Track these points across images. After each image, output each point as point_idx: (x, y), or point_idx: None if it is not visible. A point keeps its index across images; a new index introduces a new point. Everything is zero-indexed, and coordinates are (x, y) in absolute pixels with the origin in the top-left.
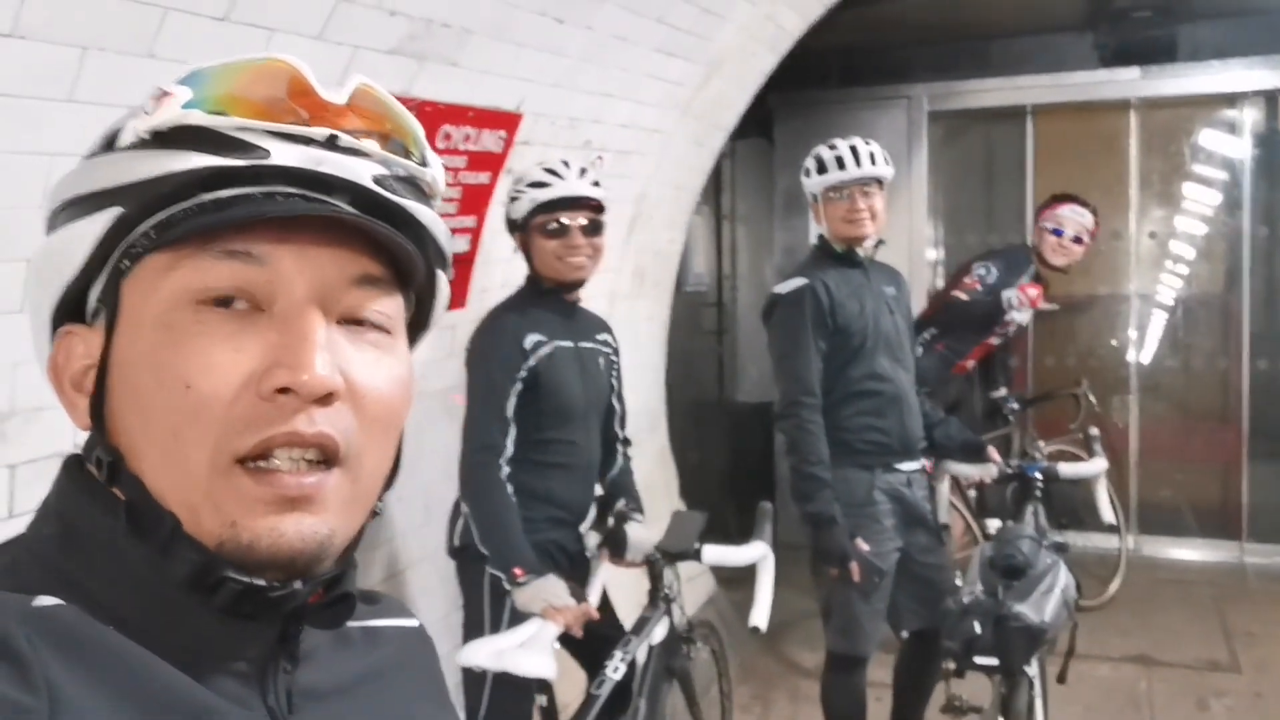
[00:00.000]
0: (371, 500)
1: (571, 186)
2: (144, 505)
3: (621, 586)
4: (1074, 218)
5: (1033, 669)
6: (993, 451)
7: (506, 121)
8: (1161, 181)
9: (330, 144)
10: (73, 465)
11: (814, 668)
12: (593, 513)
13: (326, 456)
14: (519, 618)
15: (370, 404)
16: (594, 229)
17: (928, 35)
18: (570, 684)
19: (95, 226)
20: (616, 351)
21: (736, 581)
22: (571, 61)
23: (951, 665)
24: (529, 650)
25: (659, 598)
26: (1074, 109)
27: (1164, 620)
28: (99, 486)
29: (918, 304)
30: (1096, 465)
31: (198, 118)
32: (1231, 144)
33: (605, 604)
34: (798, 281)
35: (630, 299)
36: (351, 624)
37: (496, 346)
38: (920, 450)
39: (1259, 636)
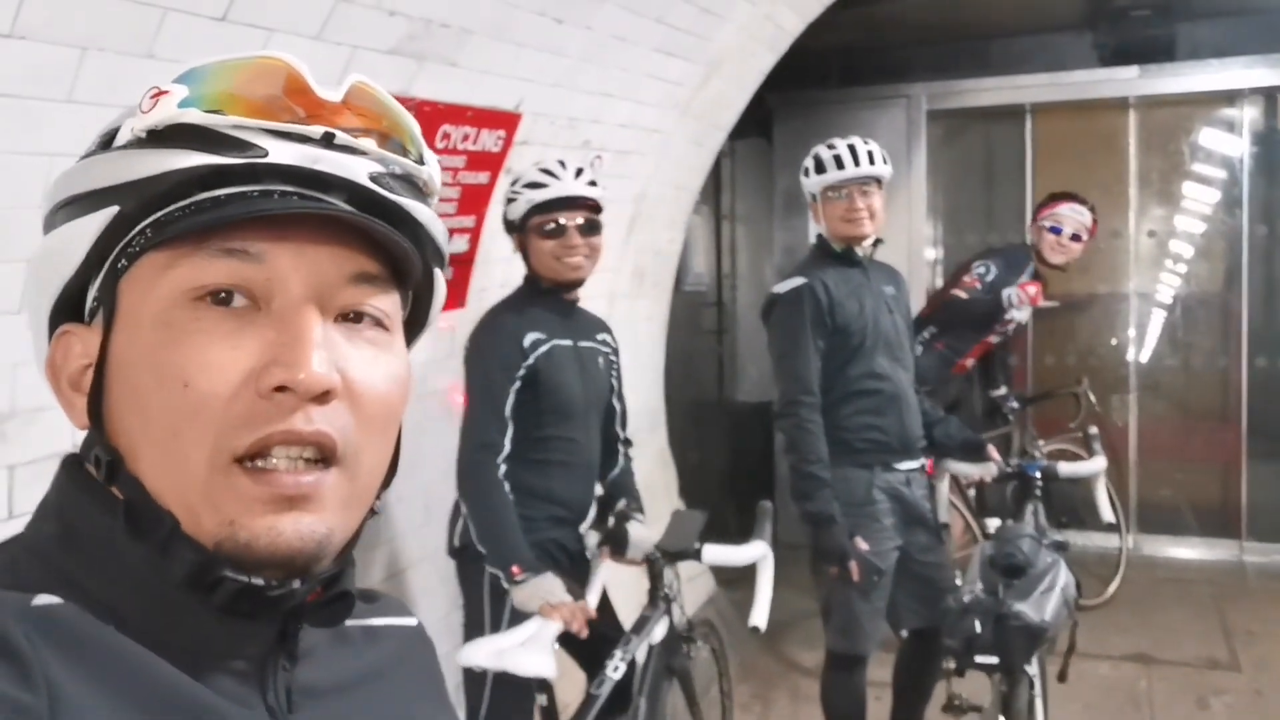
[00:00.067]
0: (370, 499)
1: (568, 187)
2: (142, 505)
3: (621, 586)
4: (1072, 216)
5: (1033, 668)
6: (992, 450)
7: (505, 121)
8: (1160, 180)
9: (327, 142)
10: (71, 464)
11: (814, 667)
12: (593, 512)
13: (324, 455)
14: (519, 617)
15: (367, 402)
16: (591, 229)
17: (927, 35)
18: (570, 684)
19: (92, 225)
20: (616, 352)
21: (736, 581)
22: (571, 61)
23: (952, 664)
24: (529, 649)
25: (659, 597)
26: (1073, 108)
27: (1164, 619)
28: (98, 486)
29: (917, 303)
30: (1096, 464)
31: (194, 116)
32: (1230, 142)
33: (605, 604)
34: (797, 281)
35: (630, 299)
36: (350, 622)
37: (495, 346)
38: (919, 449)
39: (1259, 635)
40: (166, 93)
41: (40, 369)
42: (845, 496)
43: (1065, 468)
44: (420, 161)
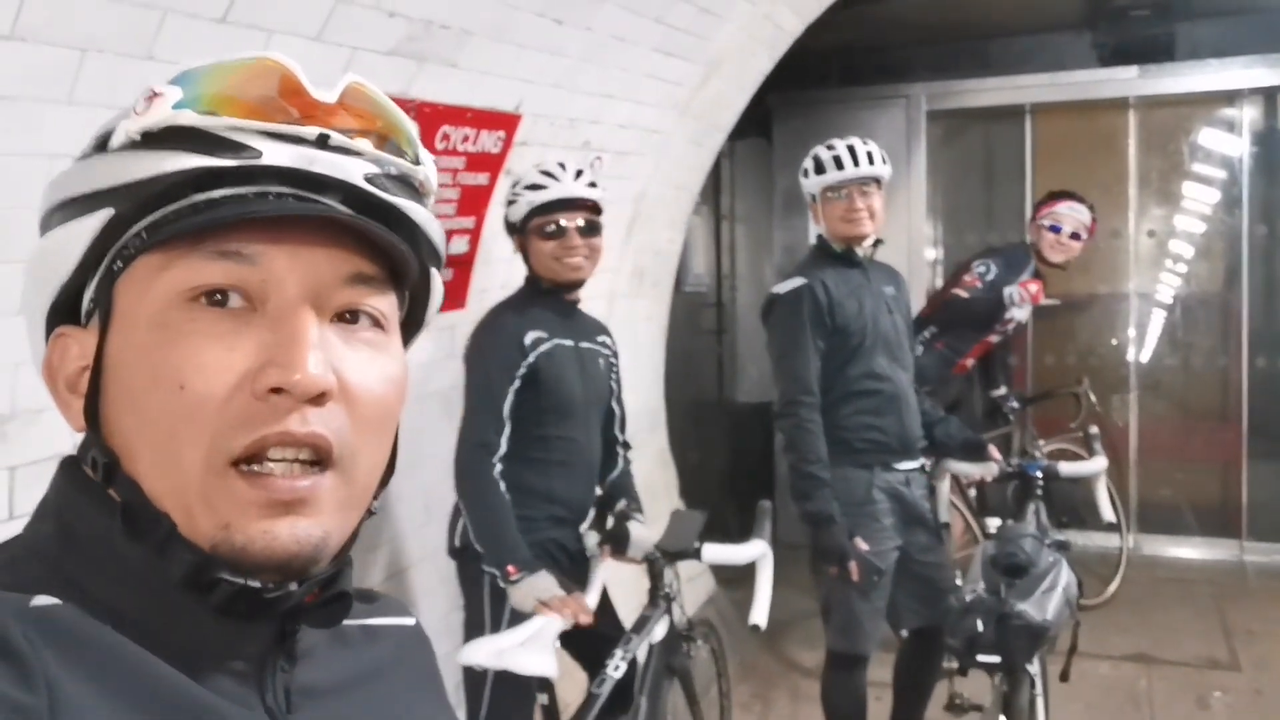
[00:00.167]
0: (367, 500)
1: (568, 188)
2: (139, 506)
3: (621, 585)
4: (1072, 214)
5: (1034, 667)
6: (993, 450)
7: (505, 122)
8: (1160, 180)
9: (322, 143)
10: (69, 466)
11: (814, 667)
12: (592, 513)
13: (319, 457)
14: (519, 617)
15: (363, 403)
16: (591, 230)
17: (926, 35)
18: (571, 684)
19: (88, 227)
20: (615, 354)
21: (736, 581)
22: (570, 62)
23: (954, 663)
24: (530, 648)
25: (659, 596)
26: (1073, 108)
27: (1164, 618)
28: (95, 487)
29: (916, 303)
30: (1097, 464)
31: (189, 118)
32: (1230, 142)
33: (605, 603)
34: (796, 281)
35: (630, 299)
36: (349, 622)
37: (495, 345)
38: (919, 449)
39: (1259, 634)
40: (161, 94)
41: (37, 370)
42: (845, 496)
43: (1066, 467)
44: (416, 162)
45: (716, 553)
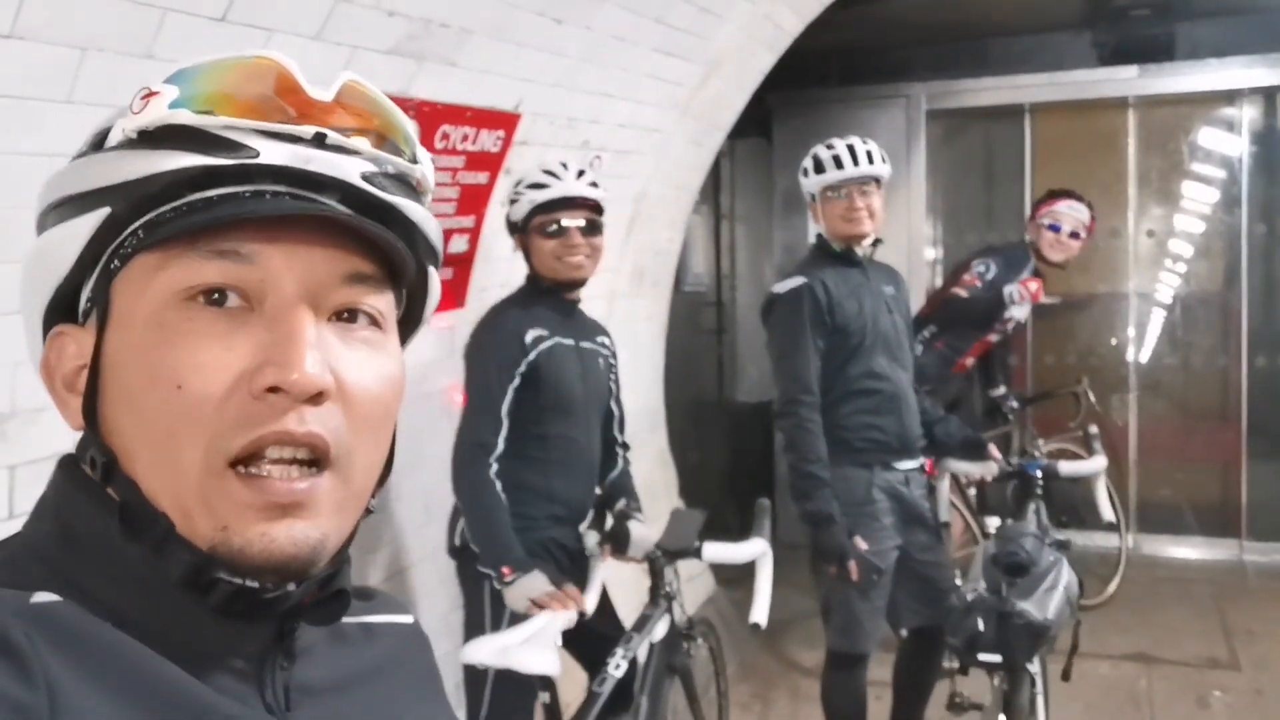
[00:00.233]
0: (364, 500)
1: (570, 187)
2: (138, 506)
3: (621, 585)
4: (1071, 213)
5: (1035, 666)
6: (993, 449)
7: (505, 121)
8: (1160, 180)
9: (318, 142)
10: (68, 464)
11: (814, 666)
12: (591, 513)
13: (317, 457)
14: (520, 617)
15: (360, 403)
16: (592, 229)
17: (926, 34)
18: (571, 683)
19: (85, 227)
20: (614, 355)
21: (736, 581)
22: (570, 61)
23: (955, 662)
24: (533, 646)
25: (660, 595)
26: (1072, 107)
27: (1164, 618)
28: (94, 486)
29: (916, 303)
30: (1096, 463)
31: (185, 117)
32: (1229, 142)
33: (605, 603)
34: (796, 280)
35: (629, 298)
36: (347, 620)
37: (495, 342)
38: (919, 449)
39: (1259, 634)
40: (157, 93)
41: (35, 369)
42: (844, 496)
43: (1066, 467)
44: (413, 160)
45: (717, 551)
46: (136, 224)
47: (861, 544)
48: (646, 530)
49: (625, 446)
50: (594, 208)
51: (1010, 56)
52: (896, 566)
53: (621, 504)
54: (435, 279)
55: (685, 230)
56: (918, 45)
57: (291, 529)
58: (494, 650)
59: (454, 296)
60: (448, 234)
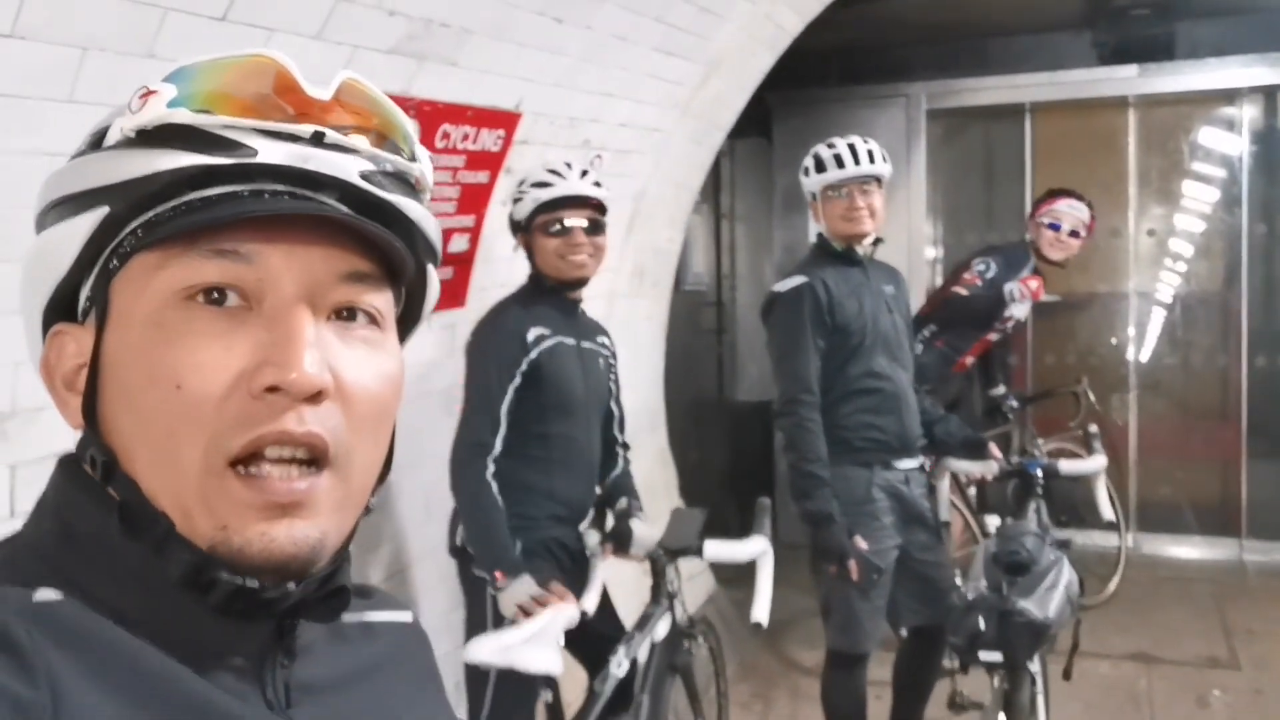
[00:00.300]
0: (364, 499)
1: (574, 186)
2: (137, 505)
3: (621, 585)
4: (1071, 212)
5: (1035, 665)
6: (993, 448)
7: (505, 121)
8: (1160, 179)
9: (317, 141)
10: (68, 463)
11: (814, 666)
12: (592, 513)
13: (315, 456)
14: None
15: (360, 402)
16: (596, 228)
17: (926, 34)
18: (571, 683)
19: (83, 226)
20: (614, 355)
21: (736, 580)
22: (571, 61)
23: (954, 662)
24: (535, 645)
25: (662, 594)
26: (1072, 107)
27: (1164, 618)
28: (94, 485)
29: (916, 302)
30: (1096, 462)
31: (183, 116)
32: (1230, 141)
33: (605, 603)
34: (797, 279)
35: (630, 298)
36: (347, 618)
37: (497, 340)
38: (919, 448)
39: (1259, 633)
40: (155, 92)
41: (34, 368)
42: (845, 495)
43: (1066, 465)
44: (412, 158)
45: (718, 550)
46: (135, 223)
47: (861, 543)
48: (648, 529)
49: (625, 446)
50: (597, 207)
51: (1010, 56)
52: (896, 566)
53: (623, 503)
54: (434, 277)
55: (685, 230)
56: (918, 45)
57: (291, 528)
58: (497, 649)
59: (454, 296)
60: (448, 233)
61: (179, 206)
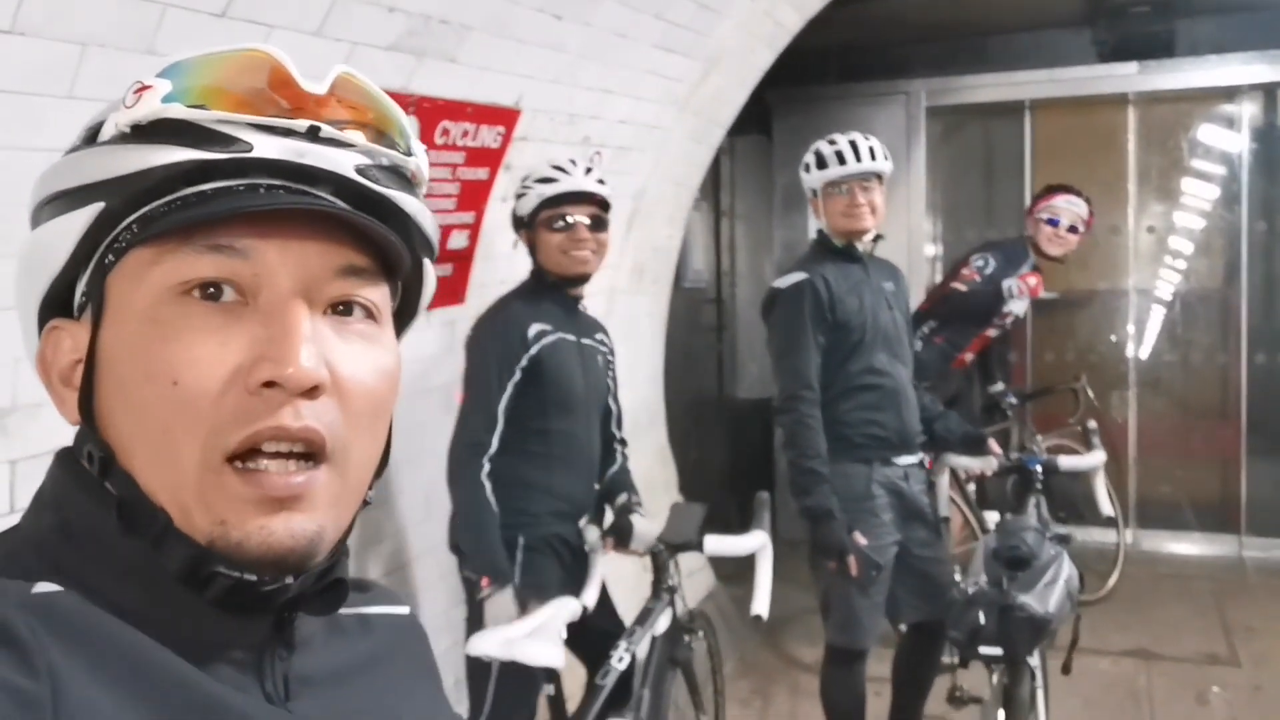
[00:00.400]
0: (361, 493)
1: (578, 182)
2: (135, 501)
3: (620, 581)
4: (1069, 208)
5: (1035, 660)
6: (993, 444)
7: (505, 117)
8: (1160, 176)
9: (312, 135)
10: (66, 458)
11: (814, 662)
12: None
13: (312, 451)
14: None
15: (356, 397)
16: (599, 225)
17: (926, 31)
18: (571, 678)
19: (78, 221)
20: (612, 352)
21: (736, 577)
22: (570, 58)
23: (954, 658)
24: (538, 639)
25: (663, 589)
26: (1072, 104)
27: (1163, 615)
28: (92, 480)
29: (915, 299)
30: (1095, 458)
31: (178, 111)
32: (1229, 139)
33: (604, 599)
34: (797, 276)
35: (629, 295)
36: (345, 612)
37: (498, 335)
38: (918, 444)
39: (1258, 630)
40: (150, 87)
41: (31, 364)
42: (844, 491)
43: (1065, 461)
44: (408, 152)
45: (718, 544)
46: (130, 219)
47: (861, 539)
48: (649, 524)
49: (623, 443)
50: (601, 204)
51: (1010, 53)
52: (896, 562)
53: (623, 499)
54: (430, 271)
55: (685, 227)
56: (918, 42)
57: (289, 522)
58: (500, 642)
59: (454, 292)
60: (448, 230)
61: (174, 202)
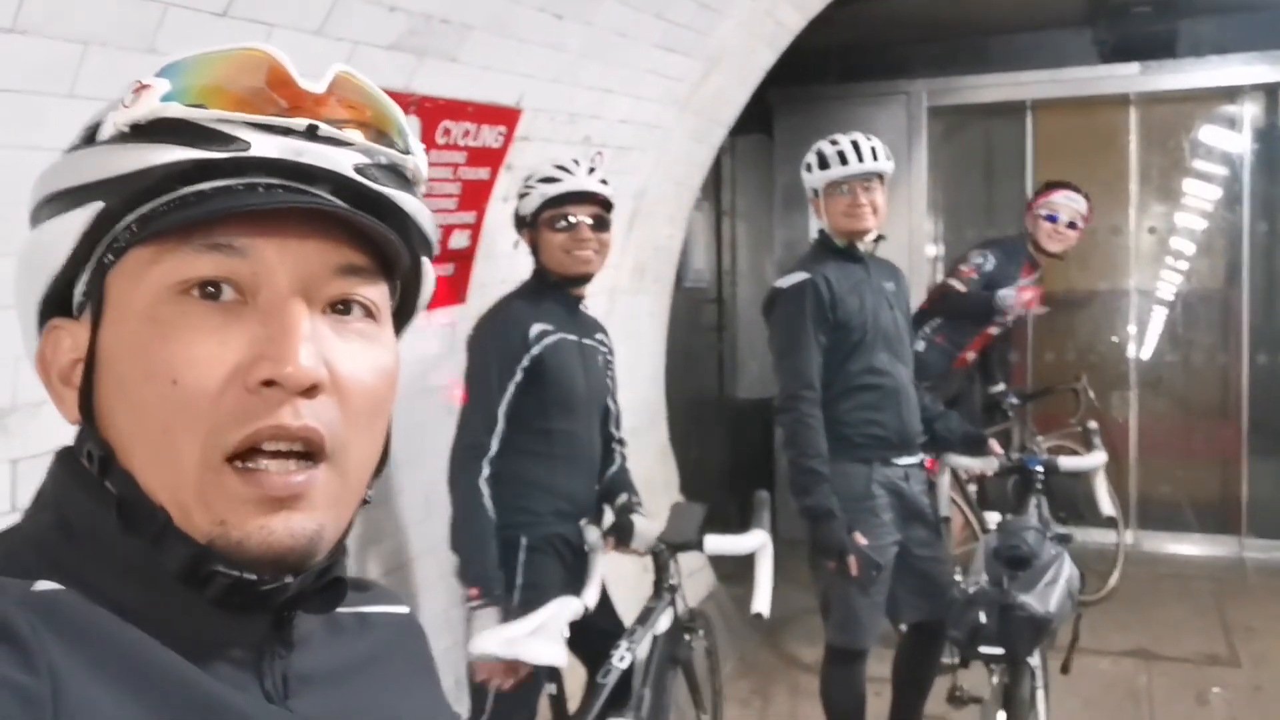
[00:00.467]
0: (360, 492)
1: (580, 182)
2: (135, 500)
3: (620, 581)
4: (1068, 204)
5: (1035, 660)
6: (994, 444)
7: (506, 117)
8: (1161, 177)
9: (311, 134)
10: (66, 457)
11: (814, 663)
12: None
13: (312, 450)
14: (522, 612)
15: (355, 395)
16: (601, 225)
17: (927, 31)
18: (571, 678)
19: (78, 221)
20: (612, 352)
21: (736, 576)
22: (571, 57)
23: (954, 659)
24: (540, 637)
25: (664, 588)
26: (1073, 104)
27: (1164, 615)
28: (92, 479)
29: (916, 299)
30: (1095, 459)
31: (176, 110)
32: (1231, 139)
33: (604, 599)
34: (799, 275)
35: (630, 295)
36: (343, 610)
37: (500, 335)
38: (918, 444)
39: (1258, 631)
40: (149, 86)
41: (30, 363)
42: (844, 491)
43: (1065, 462)
44: (406, 151)
45: (718, 543)
46: (130, 218)
47: (861, 539)
48: (649, 523)
49: (621, 443)
50: (603, 204)
51: (1011, 53)
52: (896, 562)
53: (623, 498)
54: (429, 270)
55: (686, 226)
56: (919, 42)
57: (289, 522)
58: (502, 641)
59: (455, 292)
60: (449, 230)
61: (173, 201)
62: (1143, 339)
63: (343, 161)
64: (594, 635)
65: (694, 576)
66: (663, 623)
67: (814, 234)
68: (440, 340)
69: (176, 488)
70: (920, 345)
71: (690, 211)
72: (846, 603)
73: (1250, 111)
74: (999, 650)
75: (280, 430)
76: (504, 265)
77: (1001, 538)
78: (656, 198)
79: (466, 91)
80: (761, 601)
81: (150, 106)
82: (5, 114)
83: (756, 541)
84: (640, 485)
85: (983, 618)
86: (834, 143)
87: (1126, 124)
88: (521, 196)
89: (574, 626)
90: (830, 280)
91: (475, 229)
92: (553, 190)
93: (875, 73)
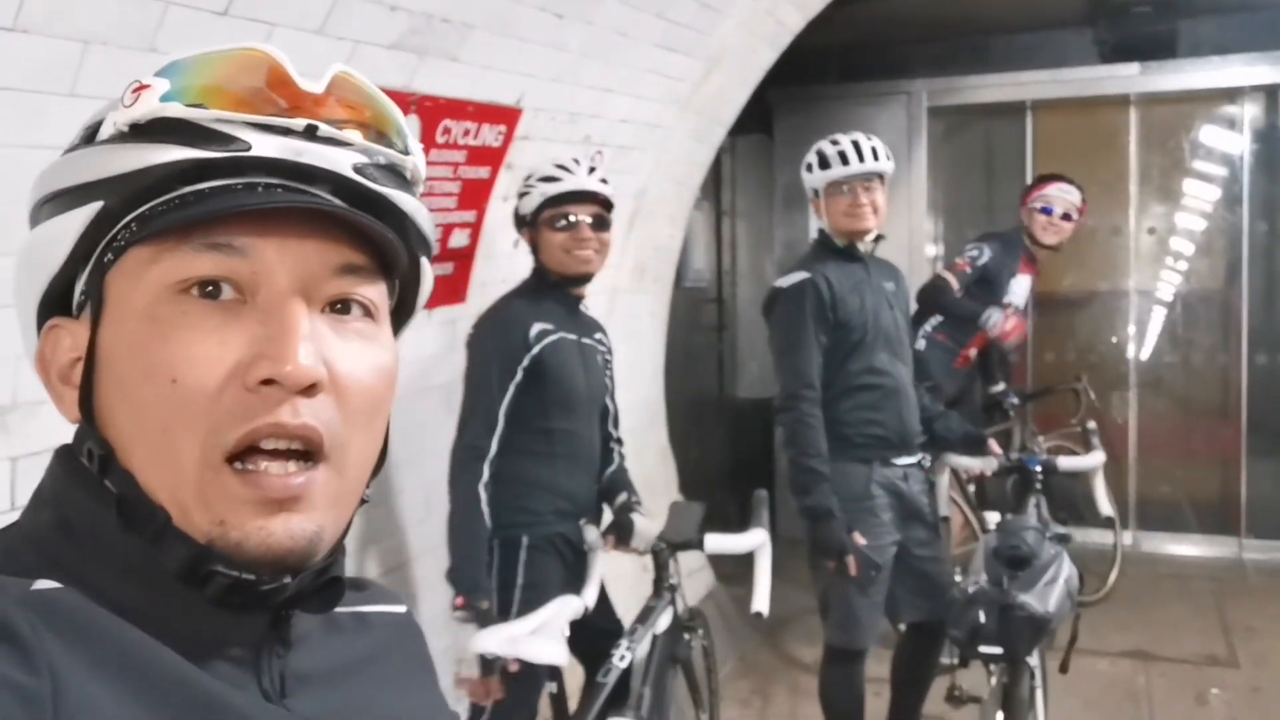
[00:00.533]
0: (359, 492)
1: (581, 181)
2: (135, 499)
3: (619, 580)
4: (1062, 196)
5: (1034, 660)
6: (993, 444)
7: (506, 116)
8: (1161, 177)
9: (310, 134)
10: (65, 455)
11: (813, 662)
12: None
13: (310, 449)
14: (523, 612)
15: (354, 394)
16: (601, 224)
17: (927, 31)
18: (570, 678)
19: (77, 220)
20: (610, 352)
21: (735, 576)
22: (571, 57)
23: (954, 659)
24: (541, 636)
25: (664, 587)
26: (1074, 104)
27: (1163, 615)
28: (91, 478)
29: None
30: (1094, 459)
31: (176, 110)
32: (1231, 139)
33: (603, 598)
34: (799, 275)
35: (630, 294)
36: (341, 610)
37: (500, 334)
38: (918, 444)
39: (1258, 631)
40: (148, 86)
41: (30, 362)
42: (844, 491)
43: (1064, 462)
44: (405, 151)
45: (718, 542)
46: (129, 217)
47: (860, 539)
48: (649, 522)
49: (619, 442)
50: (604, 203)
51: (1012, 53)
52: (895, 562)
53: (622, 498)
54: (427, 269)
55: (686, 226)
56: (919, 42)
57: (289, 523)
58: (503, 640)
59: (455, 291)
60: (449, 229)
61: (172, 200)
62: (1142, 339)
63: (342, 161)
64: (593, 634)
65: (693, 576)
66: (663, 622)
67: (814, 234)
68: (439, 340)
69: (176, 487)
70: (921, 344)
71: (690, 211)
72: (845, 602)
73: (1250, 112)
74: (998, 650)
75: (279, 428)
76: (504, 264)
77: (1001, 537)
78: (657, 197)
79: (467, 91)
80: (761, 601)
81: (150, 106)
82: (6, 113)
83: (756, 541)
84: (640, 485)
85: (982, 617)
86: (834, 143)
87: (1126, 124)
88: (521, 196)
89: (573, 626)
90: (830, 280)
91: (475, 228)
92: (553, 189)
93: (875, 73)
